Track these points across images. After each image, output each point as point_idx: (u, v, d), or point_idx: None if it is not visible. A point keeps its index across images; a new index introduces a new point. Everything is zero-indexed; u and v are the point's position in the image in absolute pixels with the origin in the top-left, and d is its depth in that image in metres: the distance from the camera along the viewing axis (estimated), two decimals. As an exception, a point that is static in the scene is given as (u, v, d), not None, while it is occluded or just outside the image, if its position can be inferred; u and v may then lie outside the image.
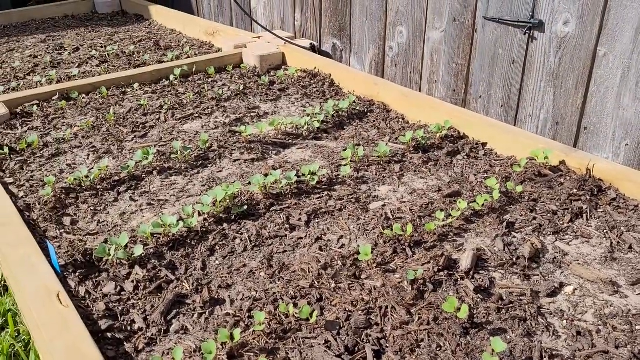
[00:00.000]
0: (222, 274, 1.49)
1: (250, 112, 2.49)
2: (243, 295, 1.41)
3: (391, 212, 1.72)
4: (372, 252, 1.49)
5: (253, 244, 1.60)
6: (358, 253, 1.50)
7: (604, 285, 1.41)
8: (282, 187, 1.85)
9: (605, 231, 1.61)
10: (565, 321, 1.30)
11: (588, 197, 1.74)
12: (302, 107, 2.56)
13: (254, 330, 1.27)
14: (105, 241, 1.62)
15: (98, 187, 1.91)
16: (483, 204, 1.70)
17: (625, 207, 1.71)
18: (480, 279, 1.42)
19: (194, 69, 2.95)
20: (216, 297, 1.41)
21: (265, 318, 1.30)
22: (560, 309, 1.34)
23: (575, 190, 1.77)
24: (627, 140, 1.91)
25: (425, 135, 2.14)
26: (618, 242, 1.57)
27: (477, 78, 2.35)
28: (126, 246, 1.55)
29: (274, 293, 1.40)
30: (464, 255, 1.49)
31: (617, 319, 1.31)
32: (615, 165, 1.86)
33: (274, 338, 1.27)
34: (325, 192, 1.84)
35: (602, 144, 1.98)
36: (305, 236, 1.63)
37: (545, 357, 1.19)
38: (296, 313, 1.31)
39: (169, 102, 2.57)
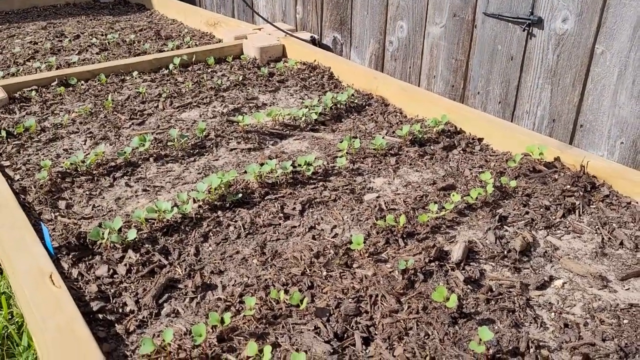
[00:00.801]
0: (214, 260, 1.50)
1: (248, 103, 2.50)
2: (235, 281, 1.42)
3: (385, 203, 1.73)
4: (364, 242, 1.51)
5: (247, 232, 1.61)
6: (350, 242, 1.51)
7: (594, 280, 1.42)
8: (278, 176, 1.85)
9: (596, 227, 1.62)
10: (553, 313, 1.31)
11: (581, 194, 1.75)
12: (300, 98, 2.57)
13: (244, 315, 1.28)
14: (100, 225, 1.62)
15: (94, 172, 1.92)
16: (476, 198, 1.71)
17: (617, 204, 1.72)
18: (470, 270, 1.43)
19: (193, 59, 2.95)
20: (208, 282, 1.42)
21: (256, 303, 1.31)
22: (549, 302, 1.35)
23: (568, 186, 1.78)
24: (622, 139, 1.91)
25: (422, 129, 2.14)
26: (609, 238, 1.57)
27: (475, 74, 2.35)
28: (120, 230, 1.56)
29: (266, 280, 1.41)
30: (455, 247, 1.50)
31: (605, 312, 1.32)
32: (609, 163, 1.87)
33: (264, 323, 1.28)
34: (321, 183, 1.85)
35: (597, 141, 1.99)
36: (299, 225, 1.64)
37: (531, 347, 1.20)
38: (287, 299, 1.32)
39: (168, 91, 2.58)
